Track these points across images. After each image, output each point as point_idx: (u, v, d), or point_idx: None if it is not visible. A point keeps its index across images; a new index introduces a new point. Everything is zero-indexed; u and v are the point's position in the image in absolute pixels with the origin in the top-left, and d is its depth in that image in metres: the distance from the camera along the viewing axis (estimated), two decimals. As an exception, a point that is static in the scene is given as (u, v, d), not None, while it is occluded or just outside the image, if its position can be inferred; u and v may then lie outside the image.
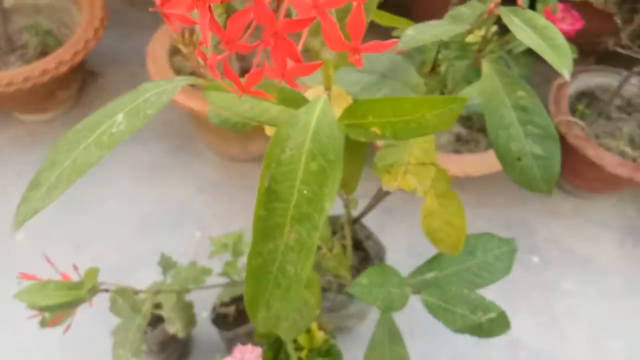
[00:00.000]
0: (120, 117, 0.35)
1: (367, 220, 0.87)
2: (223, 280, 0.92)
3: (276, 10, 0.27)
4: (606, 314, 1.21)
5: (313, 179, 0.35)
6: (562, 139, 1.23)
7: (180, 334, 0.88)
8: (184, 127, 1.43)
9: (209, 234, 1.22)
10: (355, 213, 0.76)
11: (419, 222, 0.57)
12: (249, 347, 0.75)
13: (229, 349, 0.94)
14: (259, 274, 0.36)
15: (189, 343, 1.03)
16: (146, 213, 1.23)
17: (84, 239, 1.20)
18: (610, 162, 1.18)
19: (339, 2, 0.23)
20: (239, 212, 1.25)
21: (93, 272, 0.50)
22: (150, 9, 0.28)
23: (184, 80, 0.39)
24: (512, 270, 1.24)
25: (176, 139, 1.41)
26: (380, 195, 0.70)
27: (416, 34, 0.42)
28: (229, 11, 0.40)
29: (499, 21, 0.44)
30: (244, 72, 1.24)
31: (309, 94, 0.46)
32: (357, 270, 0.97)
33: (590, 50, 1.39)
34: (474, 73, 0.56)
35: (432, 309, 0.57)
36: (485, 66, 0.47)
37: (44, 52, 1.28)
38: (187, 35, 0.40)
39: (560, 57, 0.38)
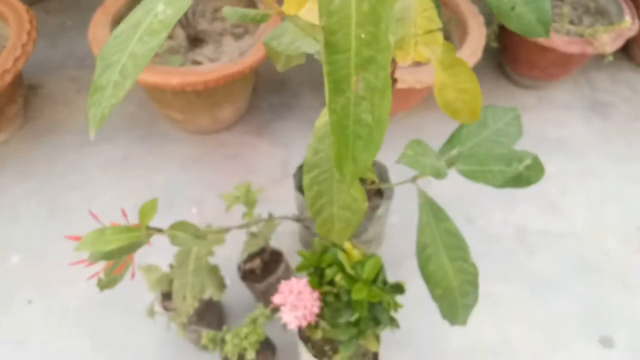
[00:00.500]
0: (160, 6, 0.34)
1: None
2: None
3: None
4: (595, 186, 1.28)
5: (367, 20, 0.35)
6: (512, 32, 1.28)
7: (215, 297, 0.87)
8: (144, 116, 1.39)
9: (205, 208, 1.20)
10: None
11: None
12: (293, 279, 0.75)
13: (265, 303, 0.93)
14: (338, 131, 0.36)
15: (222, 309, 1.02)
16: (135, 204, 1.19)
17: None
18: (560, 42, 1.23)
19: None
20: (230, 180, 1.24)
21: (148, 209, 0.48)
22: None
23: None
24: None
25: (140, 128, 1.36)
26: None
27: None
28: None
29: None
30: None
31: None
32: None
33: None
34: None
35: (470, 175, 0.59)
36: None
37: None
38: None
39: None
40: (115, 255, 0.47)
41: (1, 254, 1.13)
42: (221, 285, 0.90)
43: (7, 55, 1.11)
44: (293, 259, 1.01)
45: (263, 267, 0.95)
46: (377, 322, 0.67)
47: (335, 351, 0.85)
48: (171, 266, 0.90)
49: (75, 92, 1.45)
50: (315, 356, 0.83)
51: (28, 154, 1.30)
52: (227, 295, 1.04)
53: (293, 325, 0.72)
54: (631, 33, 1.28)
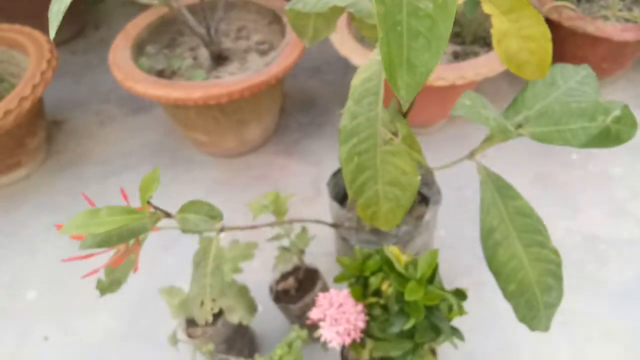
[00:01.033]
0: None
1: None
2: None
3: None
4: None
5: None
6: (557, 26, 1.18)
7: (245, 321, 0.77)
8: (169, 143, 1.33)
9: (233, 231, 1.11)
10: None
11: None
12: (333, 291, 0.64)
13: (302, 326, 0.82)
14: (387, 27, 0.27)
15: (254, 337, 0.91)
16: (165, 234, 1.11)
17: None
18: (613, 30, 1.13)
19: None
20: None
21: (149, 182, 0.39)
22: None
23: None
24: (554, 172, 1.17)
25: (165, 155, 1.30)
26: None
27: None
28: None
29: None
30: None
31: None
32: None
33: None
34: None
35: (545, 137, 0.48)
36: None
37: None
38: None
39: None
40: (114, 241, 0.38)
41: (18, 289, 1.06)
42: (252, 307, 0.80)
43: (26, 82, 1.08)
44: (330, 282, 0.91)
45: (298, 287, 0.84)
46: (436, 331, 0.55)
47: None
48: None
49: (99, 125, 1.41)
50: (363, 385, 0.71)
51: (50, 188, 1.25)
52: (259, 322, 0.93)
53: (335, 343, 0.61)
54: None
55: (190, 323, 0.80)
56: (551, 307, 0.52)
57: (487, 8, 0.47)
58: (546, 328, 0.53)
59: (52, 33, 0.34)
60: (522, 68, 0.50)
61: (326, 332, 0.61)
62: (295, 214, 1.10)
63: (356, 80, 0.45)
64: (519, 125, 0.52)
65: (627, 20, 1.18)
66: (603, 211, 1.09)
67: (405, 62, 0.27)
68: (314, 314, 0.62)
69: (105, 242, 0.37)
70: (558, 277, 0.51)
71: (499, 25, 0.50)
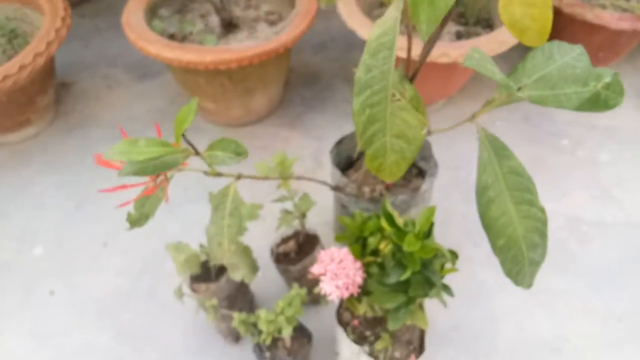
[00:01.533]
0: None
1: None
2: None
3: None
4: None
5: None
6: (557, 13, 1.22)
7: (247, 280, 0.81)
8: (174, 110, 1.36)
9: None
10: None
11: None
12: (333, 248, 0.69)
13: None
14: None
15: (253, 298, 0.95)
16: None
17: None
18: (610, 18, 1.17)
19: None
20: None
21: (185, 114, 0.43)
22: None
23: None
24: (545, 156, 1.22)
25: (170, 122, 1.30)
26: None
27: None
28: None
29: None
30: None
31: None
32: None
33: None
34: None
35: (542, 100, 0.52)
36: None
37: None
38: None
39: None
40: (149, 171, 0.42)
41: (25, 244, 1.09)
42: (253, 267, 0.84)
43: (40, 39, 1.11)
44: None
45: (297, 251, 0.88)
46: (430, 284, 0.59)
47: (377, 337, 0.77)
48: (201, 246, 0.85)
49: (107, 88, 1.43)
50: (355, 342, 0.76)
51: (57, 147, 1.28)
52: (258, 284, 0.97)
53: (334, 296, 0.65)
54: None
55: (195, 279, 0.83)
56: (535, 264, 0.56)
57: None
58: (529, 285, 0.57)
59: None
60: (524, 34, 0.54)
61: (326, 286, 0.65)
62: (297, 185, 1.14)
63: (372, 35, 0.49)
64: (519, 89, 0.56)
65: (624, 10, 1.22)
66: (588, 195, 1.14)
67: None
68: (315, 269, 0.67)
69: (142, 170, 0.41)
70: (543, 235, 0.55)
71: (505, -10, 0.54)
